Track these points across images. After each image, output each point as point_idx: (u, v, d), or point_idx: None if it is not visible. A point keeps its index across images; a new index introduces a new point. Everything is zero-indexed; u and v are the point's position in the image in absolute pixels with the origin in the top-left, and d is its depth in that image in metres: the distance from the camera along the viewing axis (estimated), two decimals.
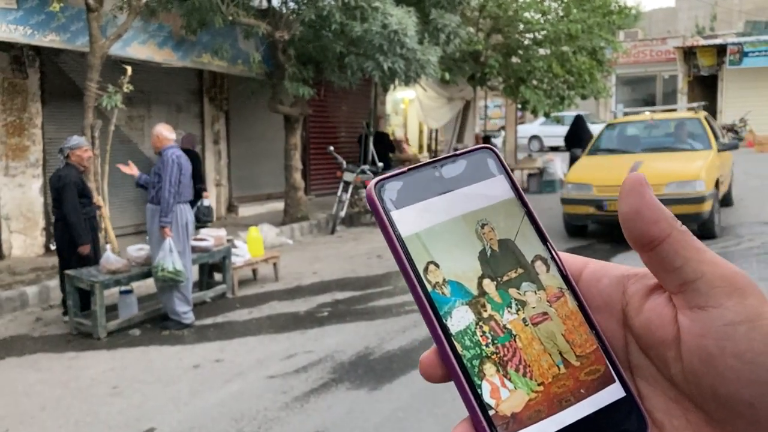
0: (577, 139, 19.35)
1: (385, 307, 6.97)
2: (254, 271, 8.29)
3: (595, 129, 26.94)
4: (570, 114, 22.76)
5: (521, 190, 0.46)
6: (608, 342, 0.43)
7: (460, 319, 0.41)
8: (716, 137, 10.65)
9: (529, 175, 16.39)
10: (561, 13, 14.93)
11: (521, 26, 15.14)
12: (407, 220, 0.42)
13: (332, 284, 8.01)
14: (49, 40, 8.45)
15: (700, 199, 8.83)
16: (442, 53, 10.82)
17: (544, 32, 14.77)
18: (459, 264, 0.42)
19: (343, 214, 11.84)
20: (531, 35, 15.35)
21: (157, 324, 6.59)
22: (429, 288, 0.41)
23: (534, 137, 27.27)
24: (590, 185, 9.49)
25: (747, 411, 0.38)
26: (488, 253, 0.43)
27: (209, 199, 10.42)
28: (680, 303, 0.40)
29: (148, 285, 7.31)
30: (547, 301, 0.43)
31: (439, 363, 0.41)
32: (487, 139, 17.94)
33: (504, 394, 0.40)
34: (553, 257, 0.44)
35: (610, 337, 0.44)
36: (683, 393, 0.41)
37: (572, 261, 0.45)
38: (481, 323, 0.41)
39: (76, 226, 6.43)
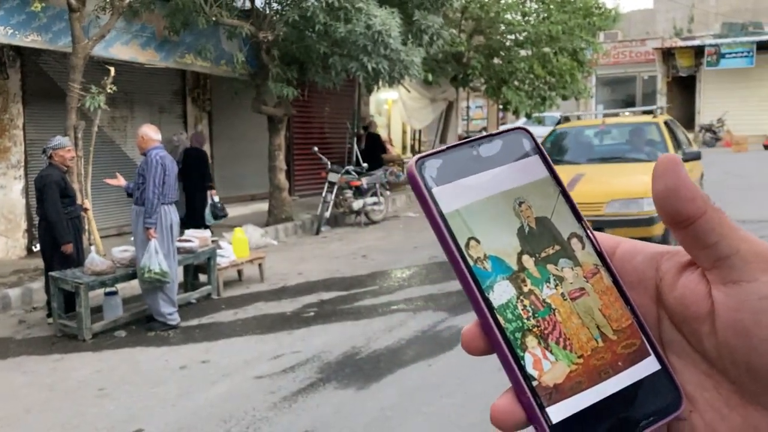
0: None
1: (370, 306, 7.00)
2: (239, 272, 8.28)
3: None
4: (551, 115, 22.93)
5: (555, 170, 0.48)
6: (643, 317, 0.45)
7: (501, 293, 0.42)
8: (678, 145, 9.46)
9: None
10: (542, 15, 15.06)
11: (503, 28, 15.25)
12: (447, 197, 0.43)
13: (318, 284, 8.02)
14: (30, 40, 8.38)
15: (648, 221, 7.39)
16: (426, 54, 10.87)
17: (525, 33, 14.89)
18: (499, 240, 0.43)
19: (328, 214, 11.85)
20: (513, 36, 15.47)
21: (143, 325, 6.57)
22: (471, 263, 0.42)
23: None
24: None
25: None
26: (526, 230, 0.44)
27: (217, 196, 10.44)
28: (714, 278, 0.41)
29: (132, 286, 7.27)
30: (584, 277, 0.44)
31: (481, 336, 0.42)
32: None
33: (546, 366, 0.41)
34: (588, 235, 0.46)
35: (643, 312, 0.45)
36: (715, 367, 0.43)
37: (606, 240, 0.47)
38: (521, 297, 0.42)
39: (56, 225, 6.39)
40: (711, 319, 0.42)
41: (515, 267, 0.43)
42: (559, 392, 0.41)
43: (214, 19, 9.39)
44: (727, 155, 21.52)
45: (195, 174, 10.21)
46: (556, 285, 0.44)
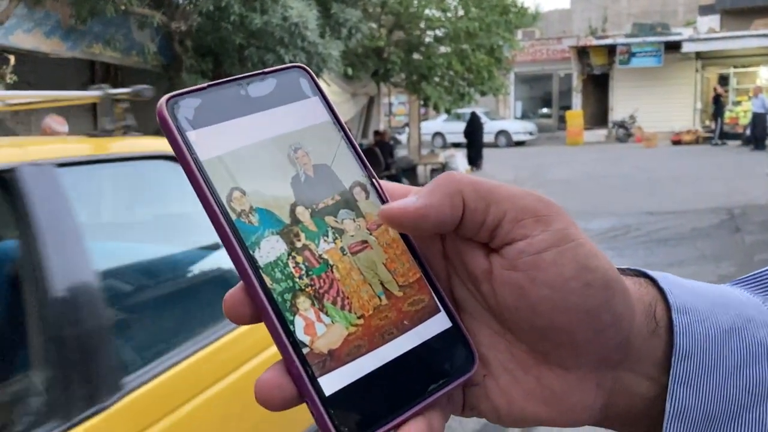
0: (473, 134, 20.13)
1: None
2: None
3: (494, 125, 27.71)
4: (469, 111, 23.32)
5: (337, 113, 0.43)
6: (432, 272, 0.41)
7: (269, 250, 0.37)
8: None
9: (432, 170, 16.69)
10: (460, 12, 15.26)
11: (422, 23, 15.37)
12: (207, 142, 0.38)
13: None
14: None
15: None
16: (345, 48, 10.82)
17: (444, 30, 15.06)
18: (269, 191, 0.38)
19: None
20: (432, 32, 15.61)
21: None
22: (233, 216, 0.37)
23: (437, 134, 27.77)
24: None
25: (565, 339, 0.37)
26: (302, 179, 0.40)
27: None
28: (492, 244, 0.39)
29: None
30: (367, 229, 0.41)
31: (246, 300, 0.37)
32: (393, 137, 18.14)
33: (320, 330, 0.37)
34: (373, 184, 0.42)
35: (433, 268, 0.42)
36: (505, 326, 0.40)
37: (394, 188, 0.43)
38: (294, 254, 0.38)
39: None
40: (489, 278, 0.39)
41: (287, 220, 0.39)
42: (335, 359, 0.37)
43: (123, 7, 9.05)
44: (638, 150, 22.42)
45: None
46: (335, 239, 0.40)
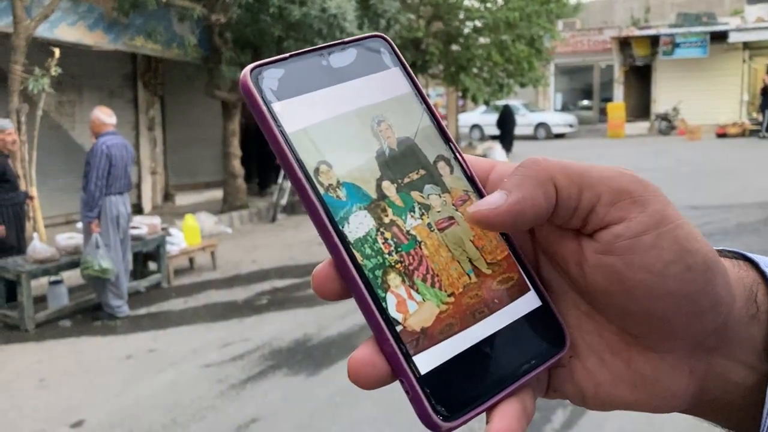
0: (505, 125, 20.11)
1: None
2: (191, 260, 8.11)
3: (534, 117, 27.38)
4: (509, 103, 23.04)
5: (419, 85, 0.42)
6: (519, 249, 0.40)
7: (358, 225, 0.36)
8: None
9: None
10: (500, 1, 15.07)
11: (461, 14, 15.23)
12: (292, 114, 0.36)
13: (271, 272, 7.90)
14: None
15: None
16: None
17: (483, 20, 14.89)
18: (354, 164, 0.37)
19: (284, 201, 11.70)
20: (471, 23, 15.46)
21: (89, 315, 6.38)
22: (321, 191, 0.36)
23: (475, 126, 27.54)
24: None
25: (661, 325, 0.35)
26: (386, 153, 0.38)
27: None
28: (584, 230, 0.36)
29: (79, 275, 7.06)
30: (453, 205, 0.40)
31: (335, 276, 0.36)
32: None
33: (412, 308, 0.36)
34: (456, 158, 0.41)
35: (520, 245, 0.40)
36: (594, 308, 0.38)
37: (478, 163, 0.42)
38: (382, 229, 0.37)
39: None
40: (580, 261, 0.36)
41: (374, 195, 0.37)
42: (428, 337, 0.35)
43: (164, 0, 9.14)
44: (681, 143, 21.94)
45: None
46: (422, 214, 0.38)
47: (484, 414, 0.36)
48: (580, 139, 25.65)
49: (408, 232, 0.37)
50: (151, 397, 4.54)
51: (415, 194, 0.38)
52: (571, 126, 27.79)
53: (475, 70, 15.27)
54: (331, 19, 9.21)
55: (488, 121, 26.22)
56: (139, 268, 7.47)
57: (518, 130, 26.78)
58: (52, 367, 5.18)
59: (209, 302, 6.79)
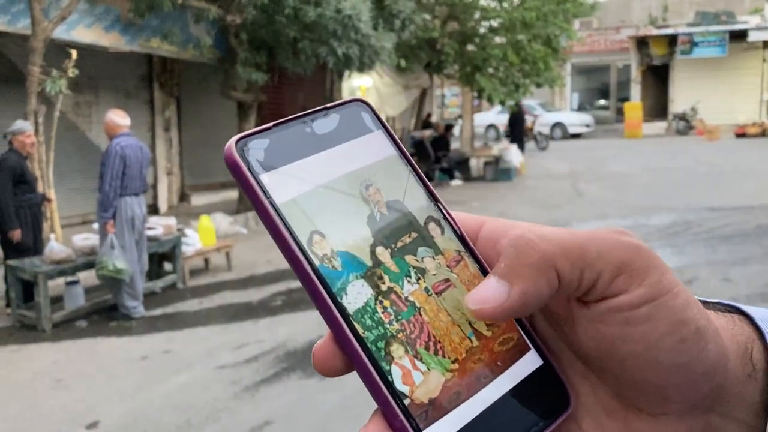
0: (515, 125, 20.16)
1: None
2: (206, 261, 8.13)
3: (550, 117, 27.24)
4: (525, 103, 22.90)
5: (402, 145, 0.41)
6: None
7: (356, 295, 0.35)
8: None
9: (486, 164, 16.48)
10: (516, 1, 14.99)
11: (477, 14, 15.17)
12: (280, 185, 0.36)
13: (286, 273, 7.90)
14: None
15: None
16: (398, 40, 10.75)
17: (499, 20, 14.82)
18: (347, 232, 0.36)
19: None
20: (487, 23, 15.39)
21: (105, 315, 6.42)
22: (316, 262, 0.35)
23: (491, 126, 27.44)
24: None
25: (655, 391, 0.35)
26: (377, 217, 0.38)
27: None
28: (582, 299, 0.36)
29: (95, 275, 7.11)
30: (447, 267, 0.38)
31: (336, 352, 0.35)
32: (449, 126, 17.96)
33: (417, 378, 0.35)
34: (446, 218, 0.40)
35: None
36: (588, 368, 0.38)
37: (467, 221, 0.41)
38: (380, 298, 0.36)
39: (3, 211, 6.20)
40: (574, 326, 0.36)
41: (369, 262, 0.36)
42: (436, 408, 0.35)
43: (180, 1, 9.17)
44: (699, 143, 21.74)
45: None
46: (418, 279, 0.38)
47: None
48: (597, 139, 25.48)
49: (406, 298, 0.37)
50: (166, 399, 4.55)
51: (409, 258, 0.38)
52: (587, 126, 27.62)
53: (490, 70, 15.21)
54: (345, 19, 9.20)
55: (504, 121, 26.15)
56: (155, 269, 7.51)
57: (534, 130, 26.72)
58: (69, 367, 5.21)
59: (224, 303, 6.81)
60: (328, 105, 0.40)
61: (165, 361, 5.28)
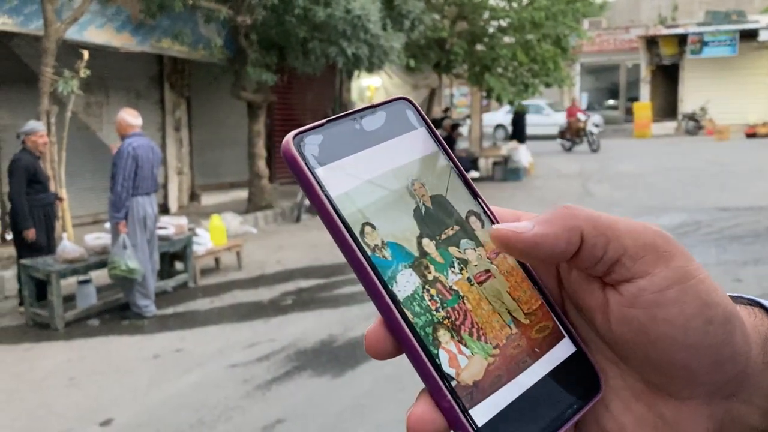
0: (517, 123, 20.22)
1: (349, 294, 6.93)
2: (217, 260, 8.17)
3: (559, 117, 27.19)
4: (533, 103, 22.86)
5: (443, 142, 0.43)
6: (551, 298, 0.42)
7: (405, 283, 0.38)
8: None
9: (494, 164, 16.45)
10: (525, 1, 14.98)
11: (486, 13, 15.16)
12: (335, 179, 0.38)
13: (296, 272, 7.93)
14: (1, 22, 8.18)
15: None
16: (407, 40, 10.76)
17: (509, 20, 14.81)
18: (395, 224, 0.39)
19: (308, 202, 11.73)
20: (496, 23, 15.38)
21: (117, 314, 6.46)
22: (369, 252, 0.37)
23: (499, 126, 27.40)
24: None
25: (682, 374, 0.37)
26: (423, 211, 0.40)
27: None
28: (608, 280, 0.38)
29: (107, 274, 7.16)
30: (488, 258, 0.41)
31: (387, 336, 0.37)
32: (455, 126, 17.95)
33: (462, 362, 0.37)
34: (485, 212, 0.42)
35: (549, 293, 0.42)
36: (618, 355, 0.40)
37: (506, 215, 0.43)
38: (427, 286, 0.38)
39: (18, 210, 6.26)
40: (605, 314, 0.39)
41: (416, 253, 0.39)
42: (480, 391, 0.37)
43: (190, 2, 9.22)
44: (709, 143, 21.64)
45: None
46: (461, 269, 0.40)
47: None
48: (607, 139, 25.39)
49: (450, 287, 0.39)
50: (178, 397, 4.58)
51: (452, 249, 0.40)
52: (596, 126, 27.52)
53: (499, 70, 15.19)
54: (355, 20, 9.22)
55: (509, 121, 26.13)
56: (166, 268, 7.55)
57: (543, 130, 26.65)
58: (82, 365, 5.25)
59: (235, 302, 6.84)
60: (376, 103, 0.42)
61: (177, 360, 5.31)
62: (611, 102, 32.99)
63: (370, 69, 10.55)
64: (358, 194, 0.38)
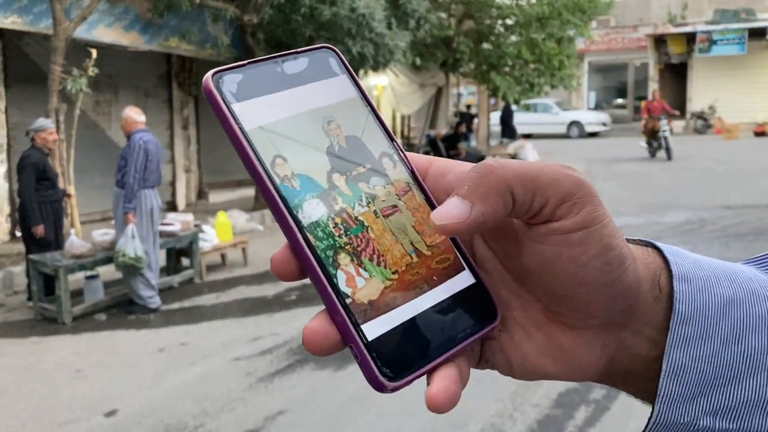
0: (506, 119, 20.08)
1: None
2: (223, 257, 8.25)
3: (567, 116, 27.09)
4: (541, 101, 22.85)
5: (364, 90, 0.47)
6: None
7: (311, 211, 0.41)
8: None
9: None
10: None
11: (493, 12, 15.18)
12: (250, 114, 0.41)
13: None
14: (10, 22, 8.30)
15: None
16: (413, 38, 10.81)
17: (515, 17, 14.83)
18: (307, 158, 0.42)
19: None
20: (502, 21, 15.40)
21: (124, 309, 6.55)
22: (278, 181, 0.40)
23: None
24: None
25: (580, 306, 0.41)
26: (336, 149, 0.43)
27: None
28: (526, 220, 0.41)
29: (114, 270, 7.24)
30: (396, 195, 0.44)
31: (291, 258, 0.41)
32: (471, 117, 17.93)
33: (360, 283, 0.40)
34: (399, 154, 0.46)
35: None
36: (522, 287, 0.44)
37: (418, 159, 0.47)
38: (333, 215, 0.41)
39: (27, 207, 6.36)
40: (517, 244, 0.42)
41: (325, 185, 0.42)
42: (374, 309, 0.40)
43: (198, 1, 9.30)
44: (717, 142, 21.56)
45: None
46: (369, 203, 0.43)
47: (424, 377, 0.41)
48: (614, 138, 25.35)
49: (356, 218, 0.42)
50: (182, 389, 4.66)
51: (362, 185, 0.43)
52: (604, 125, 27.46)
53: (506, 69, 15.21)
54: (360, 18, 9.29)
55: (520, 119, 26.11)
56: (173, 264, 7.64)
57: (551, 129, 26.61)
58: (88, 358, 5.34)
59: (240, 297, 6.92)
60: (298, 49, 0.45)
61: (182, 353, 5.39)
62: (619, 101, 32.89)
63: (376, 67, 10.60)
64: (273, 130, 0.41)
